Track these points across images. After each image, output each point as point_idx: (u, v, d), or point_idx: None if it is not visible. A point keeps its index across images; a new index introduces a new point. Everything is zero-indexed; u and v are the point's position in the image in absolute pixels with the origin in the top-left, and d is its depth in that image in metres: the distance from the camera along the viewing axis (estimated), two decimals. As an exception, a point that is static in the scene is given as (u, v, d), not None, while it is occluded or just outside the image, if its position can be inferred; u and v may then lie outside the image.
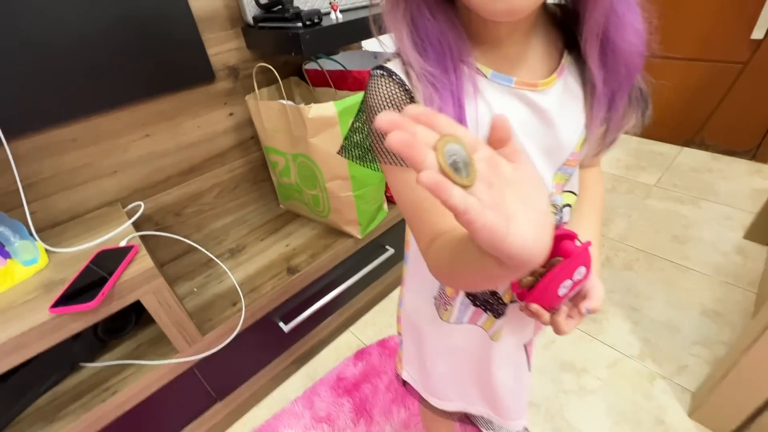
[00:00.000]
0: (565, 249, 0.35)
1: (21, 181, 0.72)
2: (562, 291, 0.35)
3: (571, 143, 0.40)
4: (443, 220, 0.34)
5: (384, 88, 0.36)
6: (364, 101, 0.39)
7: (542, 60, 0.38)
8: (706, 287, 1.16)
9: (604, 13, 0.33)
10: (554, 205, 0.42)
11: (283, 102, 0.85)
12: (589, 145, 0.41)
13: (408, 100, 0.36)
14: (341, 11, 0.88)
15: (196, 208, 1.03)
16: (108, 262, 0.68)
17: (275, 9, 0.83)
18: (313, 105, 0.81)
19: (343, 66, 0.96)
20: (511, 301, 0.46)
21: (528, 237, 0.20)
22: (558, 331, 0.38)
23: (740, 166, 1.67)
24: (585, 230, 0.46)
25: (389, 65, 0.37)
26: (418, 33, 0.34)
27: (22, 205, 0.72)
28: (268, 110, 0.90)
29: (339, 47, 0.96)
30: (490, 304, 0.47)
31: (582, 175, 0.49)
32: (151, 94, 0.85)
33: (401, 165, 0.36)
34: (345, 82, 0.96)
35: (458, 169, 0.18)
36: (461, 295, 0.48)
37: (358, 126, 0.41)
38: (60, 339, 0.62)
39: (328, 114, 0.82)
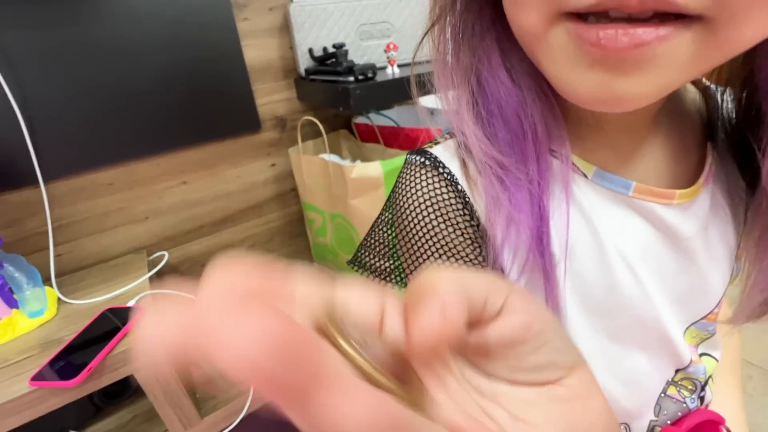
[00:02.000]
0: None
1: (52, 222, 0.70)
2: None
3: (719, 287, 0.26)
4: None
5: (423, 183, 0.24)
6: (391, 200, 0.27)
7: (674, 158, 0.25)
8: None
9: None
10: (692, 380, 0.27)
11: (326, 158, 0.77)
12: (750, 297, 0.24)
13: (460, 206, 0.24)
14: (400, 66, 0.81)
15: (226, 260, 0.96)
16: (110, 324, 0.60)
17: (329, 62, 0.78)
18: (357, 164, 0.73)
19: (395, 122, 0.88)
20: None
21: None
22: None
23: None
24: (727, 402, 0.31)
25: (435, 149, 0.25)
26: (487, 102, 0.23)
27: (48, 247, 0.69)
28: (310, 165, 0.83)
29: (393, 104, 0.90)
30: None
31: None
32: (194, 142, 0.82)
33: None
34: (396, 139, 0.88)
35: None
36: None
37: (381, 228, 0.29)
38: (37, 415, 0.54)
39: (373, 174, 0.72)
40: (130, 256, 0.81)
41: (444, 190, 0.24)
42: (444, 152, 0.25)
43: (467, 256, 0.24)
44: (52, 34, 0.65)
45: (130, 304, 0.65)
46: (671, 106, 0.25)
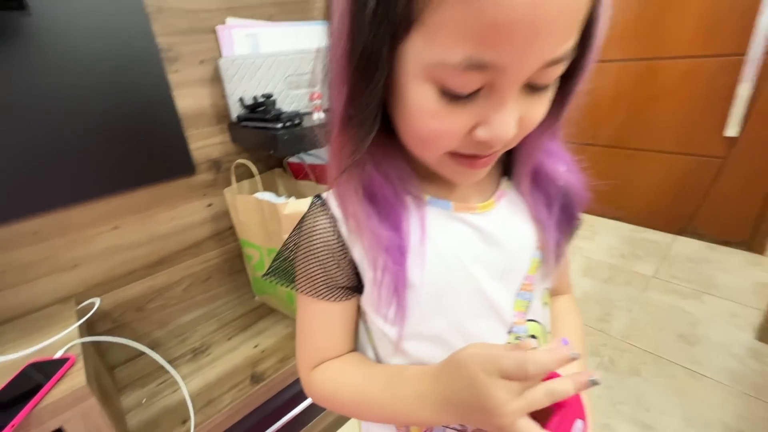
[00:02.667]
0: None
1: (-35, 278, 0.67)
2: None
3: (524, 264, 0.37)
4: (329, 350, 0.39)
5: (315, 220, 0.36)
6: (298, 225, 0.38)
7: (479, 187, 0.37)
8: (725, 399, 1.03)
9: (533, 158, 0.36)
10: (518, 337, 0.37)
11: (259, 197, 0.83)
12: (547, 266, 0.38)
13: (334, 238, 0.35)
14: (325, 110, 0.91)
15: (162, 302, 0.95)
16: (35, 378, 0.59)
17: (259, 109, 0.85)
18: (289, 201, 0.79)
19: (324, 160, 0.96)
20: None
21: None
22: None
23: (737, 256, 1.63)
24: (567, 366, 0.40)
25: (329, 195, 0.36)
26: (366, 190, 0.33)
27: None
28: (245, 204, 0.87)
29: (318, 146, 0.98)
30: None
31: (554, 304, 0.45)
32: (128, 187, 0.84)
33: (314, 297, 0.37)
34: (326, 175, 0.96)
35: None
36: None
37: (289, 248, 0.39)
38: (-50, 482, 0.51)
39: (304, 210, 0.79)
40: (56, 306, 0.78)
41: (325, 222, 0.35)
42: (333, 198, 0.35)
43: (335, 271, 0.35)
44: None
45: (57, 355, 0.64)
46: None
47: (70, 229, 0.80)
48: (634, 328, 1.31)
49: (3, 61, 0.66)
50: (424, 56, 0.24)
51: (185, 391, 0.79)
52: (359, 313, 0.40)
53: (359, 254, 0.34)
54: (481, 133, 0.26)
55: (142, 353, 0.92)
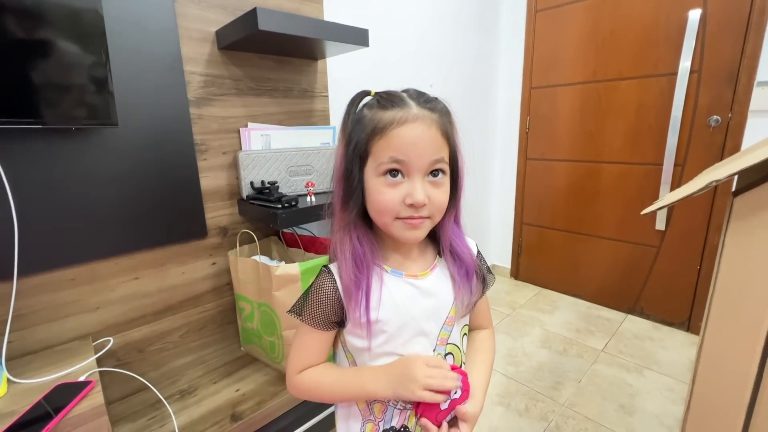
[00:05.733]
0: None
1: (13, 312, 0.84)
2: (443, 406, 0.52)
3: (446, 308, 0.60)
4: (312, 360, 0.60)
5: (322, 281, 0.58)
6: (312, 283, 0.60)
7: (423, 260, 0.61)
8: (653, 465, 1.15)
9: (448, 239, 0.59)
10: (438, 354, 0.59)
11: (257, 259, 1.03)
12: (459, 311, 0.61)
13: (333, 292, 0.57)
14: (316, 194, 1.16)
15: (160, 345, 1.10)
16: (63, 396, 0.74)
17: (265, 191, 1.09)
18: (281, 264, 1.00)
19: (312, 233, 1.19)
20: None
21: None
22: None
23: (678, 336, 1.81)
24: (477, 372, 0.62)
25: (333, 266, 0.59)
26: (354, 255, 0.56)
27: (4, 334, 0.81)
28: (244, 264, 1.08)
29: (309, 222, 1.21)
30: None
31: (474, 336, 0.69)
32: (151, 246, 1.04)
33: (311, 327, 0.58)
34: (313, 245, 1.18)
35: None
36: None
37: (307, 294, 0.61)
38: (-14, 477, 0.64)
39: (292, 272, 0.99)
40: (76, 341, 0.94)
41: (329, 285, 0.57)
42: (336, 268, 0.58)
43: (330, 312, 0.57)
44: (54, 163, 0.89)
45: (81, 379, 0.79)
46: (422, 243, 0.61)
47: (100, 278, 0.98)
48: (581, 397, 1.44)
49: (92, 153, 0.91)
50: (374, 165, 0.51)
51: (176, 425, 0.91)
52: (337, 340, 0.62)
53: (346, 305, 0.57)
54: (408, 200, 0.51)
55: (138, 391, 1.05)
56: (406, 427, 0.58)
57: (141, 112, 0.98)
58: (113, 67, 0.88)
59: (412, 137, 0.50)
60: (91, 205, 0.94)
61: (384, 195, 0.51)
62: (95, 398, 0.74)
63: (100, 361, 0.93)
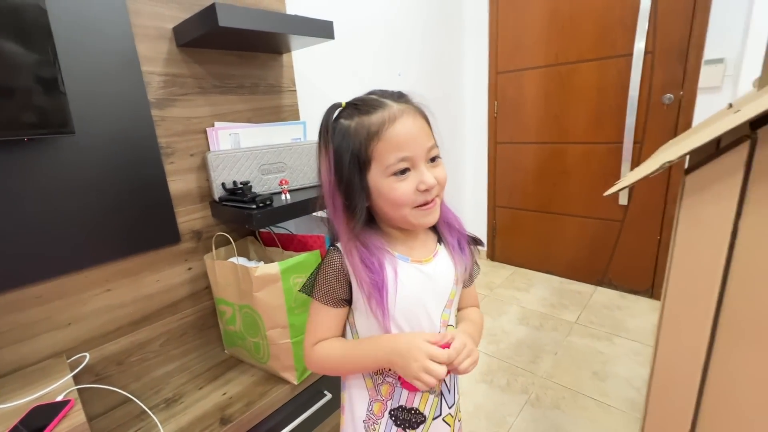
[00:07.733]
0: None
1: (-24, 336, 0.79)
2: None
3: (448, 291, 0.64)
4: (325, 334, 0.64)
5: (331, 257, 0.61)
6: (323, 259, 0.63)
7: (427, 247, 0.65)
8: (625, 425, 1.24)
9: (445, 219, 0.64)
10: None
11: (234, 261, 1.02)
12: (460, 277, 0.66)
13: (340, 268, 0.60)
14: (291, 192, 1.15)
15: (140, 356, 1.08)
16: (41, 418, 0.72)
17: (237, 192, 1.07)
18: (260, 264, 0.99)
19: (290, 231, 1.18)
20: (434, 418, 0.64)
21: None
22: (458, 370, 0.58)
23: (643, 303, 1.93)
24: (465, 325, 0.68)
25: (340, 244, 0.61)
26: (366, 248, 0.59)
27: (-31, 360, 0.77)
28: (222, 268, 1.06)
29: (286, 220, 1.20)
30: (408, 420, 0.63)
31: (465, 311, 0.73)
32: (122, 255, 1.01)
33: (323, 304, 0.62)
34: (291, 243, 1.17)
35: None
36: (385, 416, 0.63)
37: (317, 272, 0.63)
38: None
39: (272, 272, 0.99)
40: (49, 360, 0.91)
41: (337, 260, 0.60)
42: (341, 246, 0.60)
43: (339, 289, 0.61)
44: (9, 177, 0.83)
45: (58, 399, 0.76)
46: (423, 232, 0.65)
47: (69, 293, 0.94)
48: (557, 368, 1.53)
49: (49, 163, 0.86)
50: (381, 168, 0.55)
51: (162, 433, 0.90)
52: (347, 319, 0.66)
53: (354, 282, 0.59)
54: (422, 186, 0.55)
55: (121, 404, 1.03)
56: (417, 409, 0.62)
57: (99, 118, 0.93)
58: (64, 70, 0.83)
59: (407, 132, 0.53)
60: (54, 218, 0.89)
61: (398, 190, 0.55)
62: (76, 417, 0.72)
63: (77, 378, 0.90)
